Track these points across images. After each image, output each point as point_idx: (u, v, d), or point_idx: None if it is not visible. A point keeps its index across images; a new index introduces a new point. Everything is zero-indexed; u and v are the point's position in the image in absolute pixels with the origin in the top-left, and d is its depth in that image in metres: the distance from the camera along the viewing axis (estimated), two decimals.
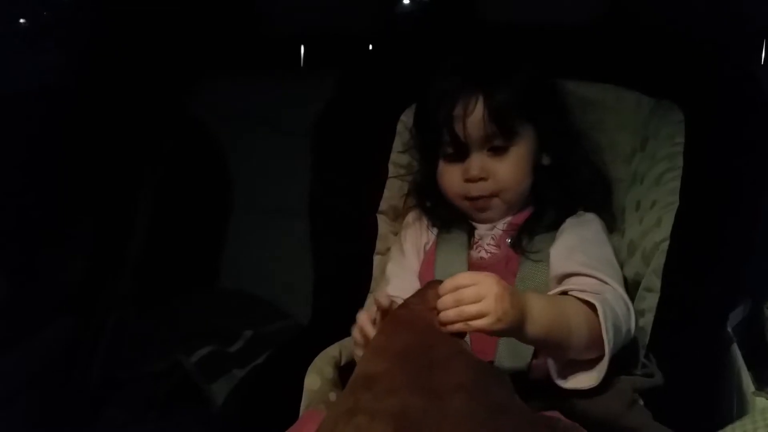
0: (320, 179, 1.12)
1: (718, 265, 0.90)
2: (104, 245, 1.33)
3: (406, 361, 0.68)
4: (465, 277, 0.74)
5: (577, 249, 0.89)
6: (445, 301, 0.73)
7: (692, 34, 1.12)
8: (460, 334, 0.73)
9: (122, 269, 1.34)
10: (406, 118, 1.06)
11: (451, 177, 0.95)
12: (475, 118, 0.91)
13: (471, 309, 0.72)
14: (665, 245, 0.91)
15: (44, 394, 1.17)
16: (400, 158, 1.06)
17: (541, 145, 0.95)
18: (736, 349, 0.81)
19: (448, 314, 0.73)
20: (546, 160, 0.96)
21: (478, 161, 0.92)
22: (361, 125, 1.09)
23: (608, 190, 1.00)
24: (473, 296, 0.72)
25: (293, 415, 0.84)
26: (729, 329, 0.86)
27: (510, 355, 0.85)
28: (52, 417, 1.16)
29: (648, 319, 0.89)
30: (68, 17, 1.41)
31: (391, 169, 1.06)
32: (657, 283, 0.90)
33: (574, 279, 0.85)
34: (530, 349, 0.84)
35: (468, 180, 0.94)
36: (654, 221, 0.94)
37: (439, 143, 0.94)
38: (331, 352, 0.92)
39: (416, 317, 0.73)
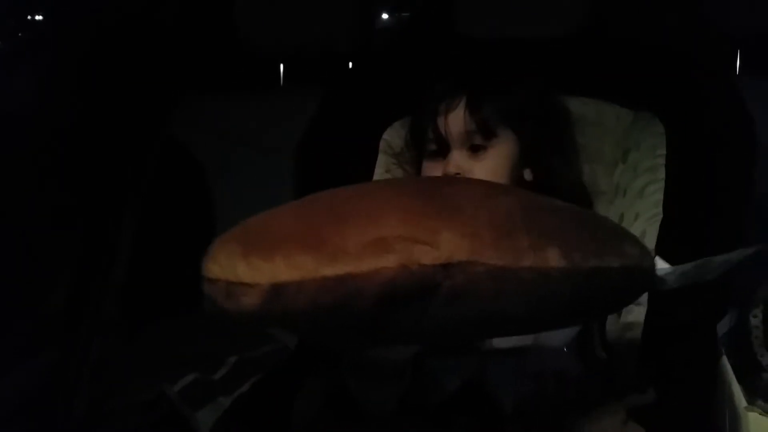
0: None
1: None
2: (86, 269, 1.31)
3: None
4: None
5: None
6: None
7: (669, 45, 1.13)
8: None
9: (105, 296, 1.32)
10: (389, 137, 1.07)
11: (432, 174, 0.96)
12: (456, 114, 0.93)
13: None
14: None
15: (26, 429, 1.14)
16: (383, 177, 1.06)
17: (524, 157, 0.95)
18: (726, 361, 0.81)
19: None
20: (528, 175, 0.96)
21: (457, 159, 0.94)
22: (344, 144, 1.08)
23: (590, 204, 1.01)
24: None
25: None
26: (718, 340, 0.86)
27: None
28: None
29: (636, 333, 0.89)
30: (47, 38, 1.40)
31: None
32: (644, 296, 0.90)
33: None
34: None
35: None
36: (638, 234, 0.94)
37: (423, 140, 0.97)
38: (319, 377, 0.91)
39: None
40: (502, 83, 0.96)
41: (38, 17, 1.47)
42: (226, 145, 1.40)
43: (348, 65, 1.42)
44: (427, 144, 0.96)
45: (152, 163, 1.40)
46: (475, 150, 0.94)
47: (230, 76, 1.42)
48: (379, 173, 1.06)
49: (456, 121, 0.93)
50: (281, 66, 1.47)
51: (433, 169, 0.96)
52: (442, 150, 0.95)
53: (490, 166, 0.93)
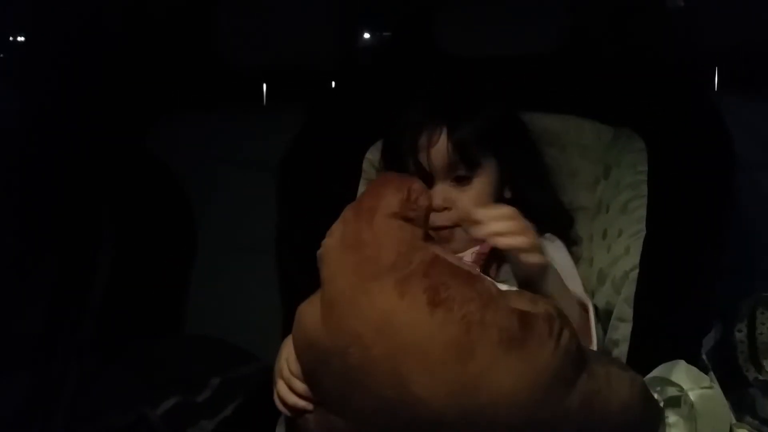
0: (286, 216, 1.10)
1: (688, 291, 0.90)
2: (63, 291, 1.28)
3: None
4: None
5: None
6: (491, 214, 0.80)
7: (648, 63, 1.14)
8: None
9: (83, 316, 1.29)
10: (372, 156, 1.06)
11: None
12: (439, 148, 0.93)
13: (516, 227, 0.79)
14: (635, 273, 0.91)
15: None
16: None
17: (504, 178, 0.96)
18: (713, 377, 0.81)
19: (495, 227, 0.79)
20: (507, 194, 0.97)
21: (442, 191, 0.93)
22: (327, 161, 1.08)
23: (570, 221, 1.02)
24: (519, 226, 0.80)
25: None
26: (704, 356, 0.86)
27: None
28: None
29: (622, 350, 0.89)
30: (27, 57, 1.38)
31: None
32: (629, 312, 0.90)
33: None
34: None
35: (432, 210, 0.94)
36: (622, 250, 0.95)
37: (401, 171, 0.95)
38: None
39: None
40: (475, 107, 0.96)
41: (20, 38, 1.45)
42: (209, 162, 1.39)
43: (330, 83, 1.42)
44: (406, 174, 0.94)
45: (131, 181, 1.38)
46: (459, 180, 0.94)
47: (213, 93, 1.42)
48: (362, 191, 1.05)
49: (439, 155, 0.93)
50: (264, 84, 1.46)
51: None
52: (425, 182, 0.93)
53: (474, 194, 0.94)
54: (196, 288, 1.37)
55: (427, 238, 0.77)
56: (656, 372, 0.79)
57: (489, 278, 0.74)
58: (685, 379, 0.76)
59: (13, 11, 1.35)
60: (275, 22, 1.34)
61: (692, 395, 0.74)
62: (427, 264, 0.70)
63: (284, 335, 1.08)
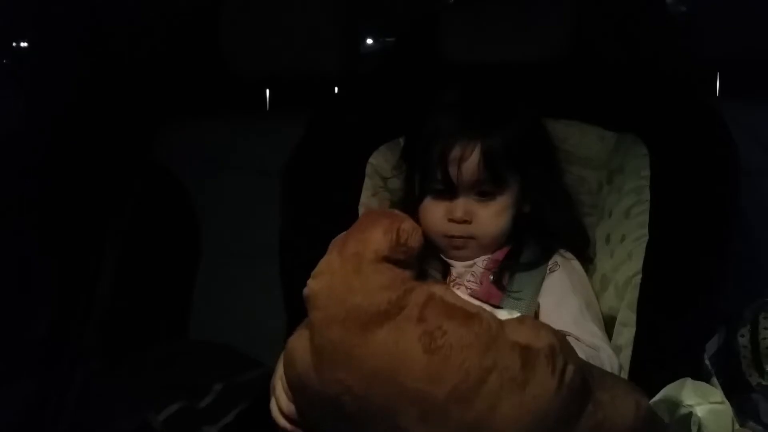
0: (290, 222, 1.10)
1: (691, 296, 0.90)
2: (68, 297, 1.29)
3: None
4: None
5: (568, 304, 0.91)
6: None
7: (651, 69, 1.15)
8: None
9: (87, 322, 1.29)
10: (376, 161, 1.06)
11: (435, 213, 0.96)
12: (470, 163, 0.92)
13: None
14: (638, 279, 0.91)
15: None
16: (370, 201, 1.05)
17: (525, 192, 0.97)
18: (716, 382, 0.81)
19: None
20: (526, 208, 0.98)
21: (465, 204, 0.94)
22: (330, 167, 1.08)
23: (587, 241, 1.02)
24: None
25: None
26: (707, 361, 0.86)
27: None
28: None
29: (626, 355, 0.89)
30: (30, 63, 1.39)
31: (362, 213, 1.05)
32: (632, 318, 0.90)
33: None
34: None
35: (451, 220, 0.95)
36: (625, 255, 0.95)
37: (426, 179, 0.95)
38: None
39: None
40: (508, 120, 0.95)
41: (23, 44, 1.46)
42: (213, 168, 1.39)
43: (334, 89, 1.43)
44: (432, 183, 0.95)
45: (136, 187, 1.39)
46: (482, 195, 0.94)
47: (216, 99, 1.42)
48: (365, 197, 1.05)
49: (469, 171, 0.92)
50: (267, 90, 1.47)
51: (437, 209, 0.96)
52: (449, 193, 0.95)
53: (496, 209, 0.95)
54: (200, 294, 1.37)
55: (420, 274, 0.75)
56: (663, 392, 0.78)
57: (488, 308, 0.72)
58: (692, 395, 0.75)
59: (16, 17, 1.36)
60: (279, 29, 1.34)
61: (699, 411, 0.73)
62: (421, 306, 0.67)
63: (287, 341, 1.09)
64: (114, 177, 1.37)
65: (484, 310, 0.71)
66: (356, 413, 0.68)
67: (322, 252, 1.04)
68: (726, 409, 0.76)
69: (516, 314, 0.74)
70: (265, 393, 1.04)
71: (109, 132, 1.36)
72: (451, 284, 0.96)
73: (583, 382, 0.67)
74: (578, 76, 1.11)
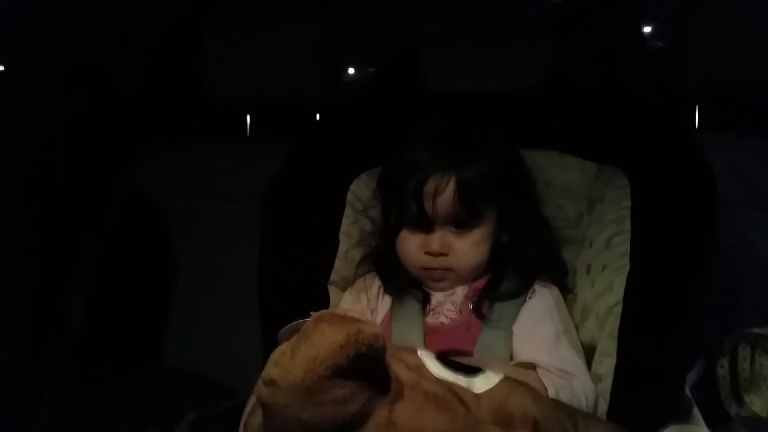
0: (269, 249, 1.09)
1: (672, 326, 0.90)
2: (40, 322, 1.26)
3: None
4: None
5: (542, 331, 0.91)
6: None
7: (631, 100, 1.16)
8: None
9: (59, 348, 1.27)
10: (356, 188, 1.06)
11: (411, 247, 0.96)
12: (445, 197, 0.92)
13: None
14: (618, 309, 0.91)
15: None
16: (351, 229, 1.05)
17: (502, 223, 0.97)
18: (697, 412, 0.81)
19: None
20: (504, 237, 0.98)
21: (441, 237, 0.94)
22: (311, 194, 1.07)
23: (565, 271, 1.02)
24: None
25: None
26: (688, 392, 0.85)
27: (490, 349, 0.88)
28: None
29: (606, 385, 0.88)
30: (9, 86, 1.38)
31: (342, 240, 1.04)
32: (613, 347, 0.89)
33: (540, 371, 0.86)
34: (509, 346, 0.89)
35: (428, 253, 0.94)
36: (606, 285, 0.94)
37: (402, 211, 0.95)
38: None
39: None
40: (483, 153, 0.95)
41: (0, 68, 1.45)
42: (191, 194, 1.38)
43: (315, 116, 1.43)
44: (408, 216, 0.95)
45: (112, 214, 1.37)
46: (459, 227, 0.94)
47: (195, 125, 1.42)
48: (346, 224, 1.05)
49: (444, 204, 0.92)
50: (248, 116, 1.47)
51: (413, 242, 0.95)
52: (425, 227, 0.94)
53: (473, 240, 0.94)
54: (176, 321, 1.35)
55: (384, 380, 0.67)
56: None
57: (462, 381, 0.69)
58: None
59: None
60: (261, 55, 1.35)
61: None
62: (389, 410, 0.64)
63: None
64: (91, 202, 1.35)
65: (457, 387, 0.68)
66: None
67: (300, 279, 1.04)
68: None
69: (494, 379, 0.71)
70: (238, 423, 1.02)
71: (88, 156, 1.35)
72: (431, 313, 0.96)
73: None
74: (558, 106, 1.11)
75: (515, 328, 0.92)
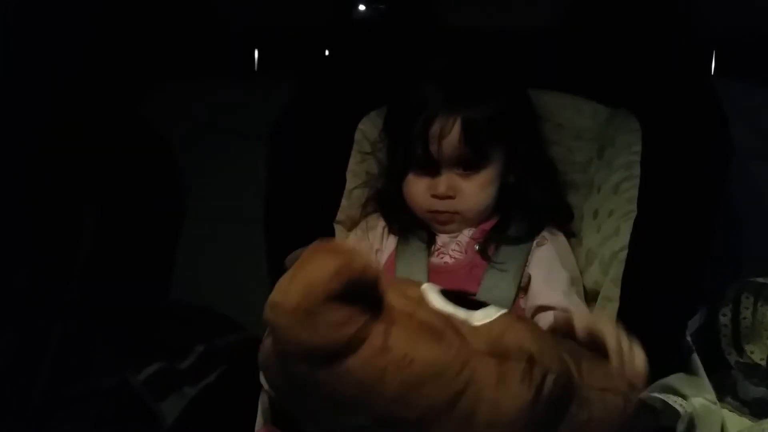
0: (276, 186, 1.09)
1: (676, 274, 0.90)
2: (49, 253, 1.27)
3: None
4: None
5: (558, 277, 0.92)
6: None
7: (647, 45, 1.13)
8: None
9: (68, 279, 1.28)
10: (365, 127, 1.05)
11: (418, 189, 0.95)
12: (450, 139, 0.91)
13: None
14: (623, 254, 0.91)
15: None
16: (358, 167, 1.04)
17: (510, 165, 0.96)
18: (696, 358, 0.82)
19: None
20: (512, 178, 0.97)
21: (447, 179, 0.93)
22: (318, 132, 1.07)
23: (570, 215, 1.01)
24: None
25: None
26: (688, 337, 0.86)
27: (494, 290, 0.89)
28: None
29: None
30: (16, 18, 1.36)
31: (349, 179, 1.04)
32: (616, 292, 0.90)
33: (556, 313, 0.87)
34: (514, 288, 0.89)
35: (434, 196, 0.94)
36: (612, 230, 0.95)
37: (409, 153, 0.94)
38: None
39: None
40: (490, 94, 0.93)
41: None
42: (198, 129, 1.37)
43: (324, 52, 1.40)
44: (414, 158, 0.94)
45: (120, 145, 1.37)
46: (466, 168, 0.93)
47: (204, 60, 1.40)
48: (353, 163, 1.05)
49: (450, 146, 0.91)
50: (255, 50, 1.44)
51: (419, 185, 0.95)
52: (431, 169, 0.94)
53: (480, 183, 0.94)
54: (183, 255, 1.36)
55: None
56: (659, 382, 0.77)
57: (462, 313, 0.70)
58: (689, 387, 0.75)
59: None
60: None
61: (695, 402, 0.73)
62: (384, 334, 0.66)
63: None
64: (98, 134, 1.35)
65: (455, 318, 0.69)
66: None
67: (307, 217, 1.04)
68: (718, 410, 0.76)
69: (493, 314, 0.72)
70: (246, 356, 1.04)
71: (94, 91, 1.34)
72: (435, 253, 0.96)
73: (565, 387, 0.67)
74: (573, 48, 1.09)
75: (532, 271, 0.92)
